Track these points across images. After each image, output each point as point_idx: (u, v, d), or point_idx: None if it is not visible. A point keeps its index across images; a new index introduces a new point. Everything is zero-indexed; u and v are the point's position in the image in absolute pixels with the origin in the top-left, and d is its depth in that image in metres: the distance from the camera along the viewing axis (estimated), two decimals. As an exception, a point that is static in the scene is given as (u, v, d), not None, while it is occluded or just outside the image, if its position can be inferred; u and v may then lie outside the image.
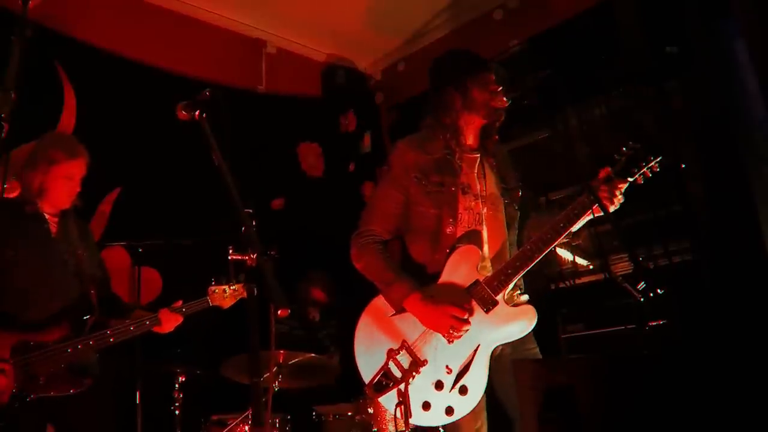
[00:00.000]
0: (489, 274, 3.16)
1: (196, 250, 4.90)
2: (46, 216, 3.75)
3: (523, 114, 3.40)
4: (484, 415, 3.16)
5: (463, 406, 3.04)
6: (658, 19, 5.08)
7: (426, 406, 3.05)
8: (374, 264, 3.29)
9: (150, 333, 3.76)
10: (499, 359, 3.15)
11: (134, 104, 5.48)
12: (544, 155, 5.64)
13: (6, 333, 3.40)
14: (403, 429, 4.26)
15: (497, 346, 3.11)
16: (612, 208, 3.17)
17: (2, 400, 3.28)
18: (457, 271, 3.17)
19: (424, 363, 3.07)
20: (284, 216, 6.49)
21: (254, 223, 2.51)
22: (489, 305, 3.09)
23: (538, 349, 3.31)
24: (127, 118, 5.42)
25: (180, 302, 3.82)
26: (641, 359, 2.42)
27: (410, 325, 3.14)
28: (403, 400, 2.98)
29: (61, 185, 3.74)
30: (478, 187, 3.33)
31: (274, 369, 4.57)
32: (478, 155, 3.41)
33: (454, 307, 3.05)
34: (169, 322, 3.74)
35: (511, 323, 3.09)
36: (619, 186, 3.18)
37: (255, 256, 2.43)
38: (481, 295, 3.10)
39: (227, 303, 3.86)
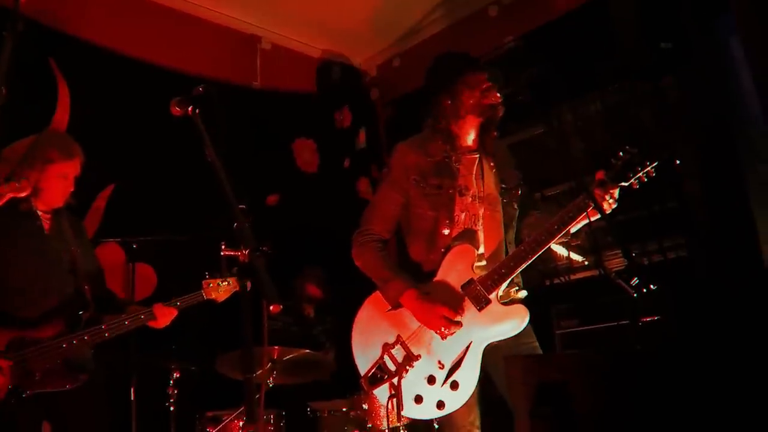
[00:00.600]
0: (484, 273, 3.22)
1: (191, 246, 4.88)
2: (39, 213, 3.74)
3: (517, 110, 3.41)
4: (478, 409, 3.23)
5: (454, 400, 3.12)
6: (654, 15, 5.08)
7: (418, 399, 3.13)
8: (372, 262, 3.39)
9: (145, 329, 3.76)
10: (498, 353, 3.19)
11: (128, 100, 5.47)
12: (539, 151, 5.64)
13: (1, 329, 3.40)
14: (397, 425, 4.29)
15: (490, 343, 3.18)
16: (606, 212, 3.18)
17: (-2, 397, 3.28)
18: (453, 269, 3.25)
19: (417, 358, 3.15)
20: (279, 212, 6.48)
21: (248, 219, 2.51)
22: (482, 303, 3.17)
23: (537, 343, 3.37)
24: (121, 114, 5.40)
25: (174, 300, 3.82)
26: (634, 355, 2.42)
27: (406, 321, 3.23)
28: (396, 393, 3.05)
29: (56, 184, 3.73)
30: (476, 188, 3.40)
31: (269, 365, 4.57)
32: (478, 156, 3.46)
33: (445, 308, 3.13)
34: (164, 316, 3.74)
35: (502, 322, 3.17)
36: (612, 190, 3.21)
37: (247, 251, 2.43)
38: (474, 294, 3.18)
39: (222, 296, 3.87)
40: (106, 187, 5.34)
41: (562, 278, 5.41)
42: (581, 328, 5.14)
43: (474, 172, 3.42)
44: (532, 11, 6.02)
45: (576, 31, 5.55)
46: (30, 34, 2.68)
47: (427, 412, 3.14)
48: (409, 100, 6.90)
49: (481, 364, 3.16)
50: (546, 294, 5.32)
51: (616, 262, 4.95)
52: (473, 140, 3.48)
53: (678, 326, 4.33)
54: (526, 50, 5.93)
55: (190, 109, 2.69)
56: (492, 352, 3.19)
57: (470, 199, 3.36)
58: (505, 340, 3.18)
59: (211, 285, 3.85)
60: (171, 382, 4.61)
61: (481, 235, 3.35)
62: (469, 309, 3.17)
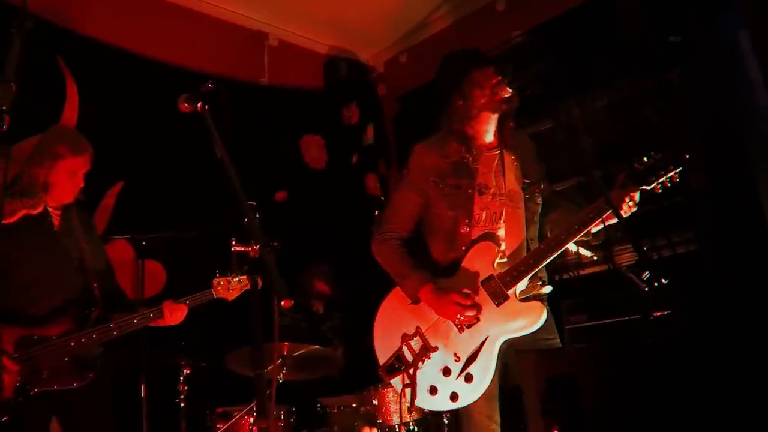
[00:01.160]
0: (504, 270, 3.25)
1: (200, 242, 4.90)
2: (49, 210, 3.74)
3: (525, 105, 3.40)
4: (497, 403, 3.26)
5: (468, 393, 3.15)
6: (661, 9, 5.06)
7: (433, 390, 3.19)
8: (391, 258, 3.46)
9: (155, 326, 3.76)
10: (522, 348, 3.24)
11: (136, 97, 5.47)
12: (547, 146, 5.62)
13: (10, 327, 3.40)
14: (408, 420, 4.31)
15: (508, 339, 3.21)
16: (624, 215, 3.23)
17: (6, 395, 3.28)
18: (474, 266, 3.29)
19: (434, 349, 3.20)
20: (287, 208, 6.48)
21: (257, 216, 2.51)
22: (500, 299, 3.20)
23: (558, 340, 3.42)
24: (130, 111, 5.41)
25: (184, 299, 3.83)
26: (643, 349, 2.42)
27: (425, 314, 3.28)
28: (411, 382, 3.10)
29: (66, 180, 3.73)
30: (497, 185, 3.40)
31: (279, 361, 4.58)
32: (498, 152, 3.47)
33: (459, 295, 3.17)
34: (174, 312, 3.74)
35: (519, 318, 3.20)
36: (633, 194, 3.23)
37: (258, 247, 2.43)
38: (493, 289, 3.22)
39: (232, 295, 3.87)
40: (115, 184, 5.36)
41: (571, 273, 5.40)
42: (590, 323, 5.13)
43: (494, 170, 3.43)
44: (540, 5, 6.00)
45: (583, 25, 5.53)
46: (38, 32, 2.69)
47: (440, 403, 3.19)
48: (416, 96, 6.90)
49: (502, 359, 3.19)
50: (555, 289, 5.31)
51: (625, 257, 4.94)
52: (492, 137, 3.47)
53: (687, 321, 4.32)
54: (533, 45, 5.91)
55: (199, 105, 2.70)
56: (511, 349, 3.23)
57: (490, 197, 3.37)
58: (524, 336, 3.21)
59: (222, 284, 3.85)
60: (181, 378, 4.63)
61: (502, 233, 3.36)
62: (488, 304, 3.20)
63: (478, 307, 3.18)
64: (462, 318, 3.17)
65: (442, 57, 3.57)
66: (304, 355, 4.76)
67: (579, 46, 5.45)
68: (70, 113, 5.17)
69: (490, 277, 3.23)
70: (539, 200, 3.53)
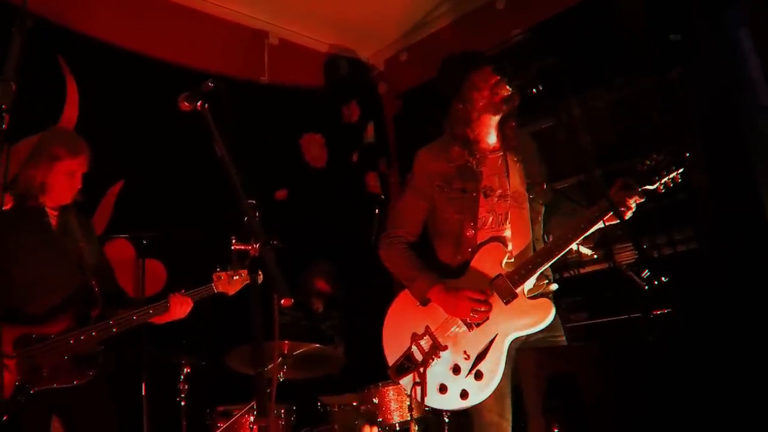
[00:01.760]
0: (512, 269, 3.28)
1: (200, 241, 4.90)
2: (47, 210, 3.74)
3: (525, 103, 3.40)
4: (509, 401, 3.28)
5: (478, 391, 3.17)
6: (662, 8, 5.06)
7: (443, 389, 3.22)
8: (399, 262, 3.50)
9: (155, 324, 3.76)
10: (524, 347, 3.27)
11: (136, 96, 5.47)
12: (548, 144, 5.62)
13: (9, 326, 3.39)
14: (409, 419, 4.31)
15: (517, 336, 3.23)
16: (627, 215, 3.25)
17: (5, 394, 3.28)
18: (482, 266, 3.31)
19: (444, 348, 3.23)
20: (288, 207, 6.48)
21: (257, 214, 2.51)
22: (509, 297, 3.22)
23: (564, 338, 3.44)
24: (130, 110, 5.41)
25: (183, 291, 3.81)
26: (644, 347, 2.42)
27: (435, 314, 3.30)
28: (421, 381, 3.13)
29: (63, 182, 3.72)
30: (502, 186, 3.42)
31: (279, 359, 4.58)
32: (501, 153, 3.48)
33: (472, 291, 3.21)
34: (182, 305, 3.73)
35: (528, 316, 3.23)
36: (636, 196, 3.25)
37: (258, 246, 2.43)
38: (502, 288, 3.23)
39: (232, 289, 3.86)
40: (116, 183, 5.35)
41: (571, 272, 5.40)
42: (590, 321, 5.14)
43: (498, 171, 3.44)
44: (540, 4, 5.99)
45: (584, 23, 5.53)
46: (37, 30, 2.68)
47: (450, 401, 3.21)
48: (417, 94, 6.91)
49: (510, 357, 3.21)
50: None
51: (625, 255, 4.94)
52: (495, 139, 3.48)
53: (688, 319, 4.33)
54: (533, 43, 5.90)
55: (199, 104, 2.70)
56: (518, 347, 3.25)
57: (496, 199, 3.38)
58: (533, 334, 3.24)
59: (222, 278, 3.84)
60: (181, 377, 4.63)
61: (508, 234, 3.38)
62: (497, 302, 3.22)
63: (489, 304, 3.21)
64: (475, 315, 3.19)
65: (441, 60, 3.60)
66: (305, 354, 4.76)
67: (579, 44, 5.44)
68: (71, 112, 5.17)
69: (499, 276, 3.24)
70: (542, 201, 3.54)
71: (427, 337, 3.27)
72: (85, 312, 3.60)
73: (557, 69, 3.26)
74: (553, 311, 3.22)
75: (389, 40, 7.37)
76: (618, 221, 3.19)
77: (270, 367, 4.44)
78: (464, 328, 3.25)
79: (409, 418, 4.43)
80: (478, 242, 3.34)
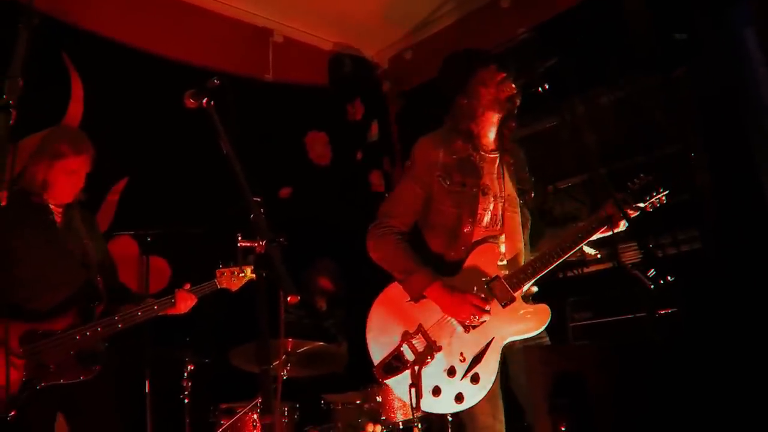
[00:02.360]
0: (508, 272, 3.25)
1: (205, 238, 4.90)
2: (51, 207, 3.75)
3: (530, 102, 3.40)
4: (501, 402, 3.23)
5: (474, 394, 3.11)
6: (666, 7, 5.05)
7: (436, 391, 3.11)
8: (393, 254, 3.33)
9: (159, 321, 3.77)
10: (510, 349, 3.23)
11: (141, 94, 5.47)
12: (552, 144, 5.63)
13: (14, 322, 3.40)
14: (411, 417, 4.29)
15: (510, 340, 3.20)
16: (617, 230, 3.27)
17: (12, 390, 3.29)
18: (478, 265, 3.26)
19: (439, 348, 3.14)
20: (292, 205, 6.49)
21: (263, 211, 2.51)
22: (507, 301, 3.18)
23: (548, 338, 3.38)
24: (134, 107, 5.41)
25: (188, 285, 3.82)
26: (651, 346, 2.42)
27: (427, 312, 3.21)
28: (416, 382, 3.02)
29: (64, 180, 3.72)
30: (497, 188, 3.40)
31: (283, 357, 4.58)
32: (497, 155, 3.46)
33: (476, 297, 3.14)
34: (185, 300, 3.74)
35: (525, 321, 3.20)
36: (629, 211, 3.28)
37: (264, 243, 2.43)
38: (499, 290, 3.19)
39: (235, 285, 3.87)
40: (120, 180, 5.36)
41: (575, 271, 5.40)
42: (594, 321, 5.13)
43: (494, 172, 3.42)
44: (544, 2, 6.00)
45: (588, 22, 5.53)
46: (43, 28, 2.69)
47: (444, 405, 3.12)
48: (421, 93, 6.92)
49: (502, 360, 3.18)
50: (559, 286, 5.31)
51: (629, 255, 4.94)
52: (494, 138, 3.46)
53: (692, 318, 4.32)
54: (538, 42, 5.90)
55: (204, 101, 2.69)
56: (509, 349, 3.22)
57: (492, 198, 3.36)
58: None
59: (225, 274, 3.84)
60: (185, 374, 4.63)
61: (502, 237, 3.36)
62: (494, 305, 3.18)
63: (489, 310, 3.15)
64: (476, 320, 3.13)
65: (444, 57, 3.56)
66: (309, 352, 4.77)
67: (584, 43, 5.44)
68: (75, 109, 5.17)
69: (496, 278, 3.21)
70: (529, 208, 3.54)
71: (419, 335, 3.17)
72: (90, 308, 3.61)
73: (561, 68, 3.27)
74: (550, 317, 3.20)
75: (394, 38, 7.37)
76: (611, 233, 3.26)
77: (275, 364, 4.44)
78: (459, 329, 3.17)
79: (411, 417, 4.43)
80: (473, 240, 3.30)
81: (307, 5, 6.56)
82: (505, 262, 3.32)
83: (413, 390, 3.01)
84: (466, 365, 3.12)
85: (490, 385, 3.11)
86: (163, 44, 5.86)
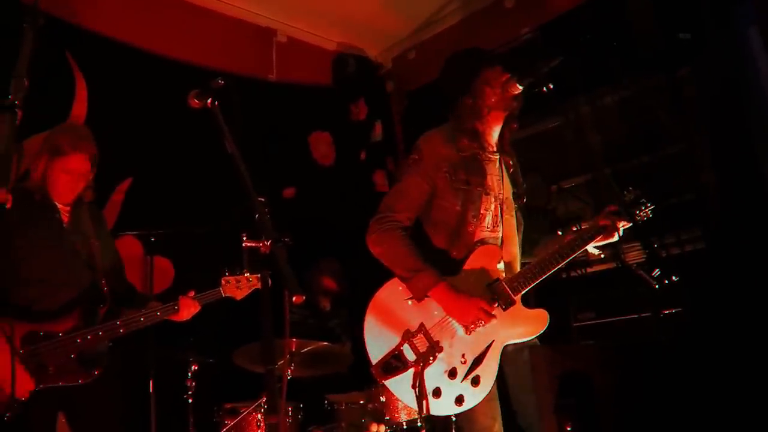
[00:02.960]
0: (509, 275, 3.27)
1: (209, 238, 4.90)
2: (59, 206, 3.73)
3: (534, 102, 3.40)
4: (498, 403, 3.21)
5: (474, 396, 3.10)
6: (671, 6, 5.05)
7: (437, 392, 3.07)
8: (398, 251, 3.24)
9: (163, 321, 3.75)
10: (504, 350, 3.22)
11: (145, 94, 5.47)
12: (556, 143, 5.63)
13: (17, 323, 3.39)
14: (416, 417, 4.29)
15: (509, 344, 3.21)
16: (613, 239, 3.40)
17: (18, 395, 3.28)
18: (479, 267, 3.25)
19: (441, 349, 3.10)
20: (296, 205, 6.49)
21: (268, 212, 2.51)
22: (508, 304, 3.18)
23: (537, 339, 3.36)
24: (138, 107, 5.41)
25: (192, 292, 3.81)
26: (657, 347, 2.42)
27: (428, 312, 3.17)
28: (422, 383, 2.98)
29: (61, 178, 3.67)
30: (497, 189, 3.40)
31: (287, 357, 4.58)
32: (498, 157, 3.46)
33: (482, 301, 3.11)
34: (188, 307, 3.74)
35: (525, 325, 3.21)
36: (624, 221, 3.40)
37: (269, 243, 2.43)
38: (500, 293, 3.19)
39: (240, 294, 3.85)
40: (124, 180, 5.35)
41: (579, 271, 5.40)
42: (598, 321, 5.13)
43: (496, 173, 3.42)
44: (549, 2, 5.99)
45: (592, 22, 5.52)
46: (47, 28, 2.69)
47: (445, 407, 3.08)
48: (424, 93, 6.91)
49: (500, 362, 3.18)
50: (563, 286, 5.31)
51: (633, 255, 4.94)
52: (495, 140, 3.46)
53: (697, 319, 4.32)
54: (542, 42, 5.91)
55: (209, 101, 2.69)
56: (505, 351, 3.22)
57: (493, 199, 3.36)
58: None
59: (230, 282, 3.82)
60: (189, 374, 4.64)
61: (500, 239, 3.37)
62: (496, 307, 3.17)
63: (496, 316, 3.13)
64: (480, 323, 3.10)
65: (447, 57, 3.54)
66: (313, 352, 4.77)
67: (587, 43, 5.44)
68: (79, 109, 5.17)
69: (497, 281, 3.21)
70: (522, 212, 3.55)
71: (421, 335, 3.11)
72: (93, 311, 3.60)
73: (565, 68, 3.27)
74: (548, 321, 3.20)
75: (397, 38, 7.37)
76: (606, 242, 3.35)
77: (280, 364, 4.45)
78: (461, 330, 3.14)
79: (416, 417, 4.43)
80: (475, 240, 3.29)
81: (311, 5, 6.55)
82: (503, 266, 3.31)
83: (418, 391, 2.96)
84: (467, 367, 3.10)
85: (489, 388, 3.11)
86: (167, 44, 5.86)
